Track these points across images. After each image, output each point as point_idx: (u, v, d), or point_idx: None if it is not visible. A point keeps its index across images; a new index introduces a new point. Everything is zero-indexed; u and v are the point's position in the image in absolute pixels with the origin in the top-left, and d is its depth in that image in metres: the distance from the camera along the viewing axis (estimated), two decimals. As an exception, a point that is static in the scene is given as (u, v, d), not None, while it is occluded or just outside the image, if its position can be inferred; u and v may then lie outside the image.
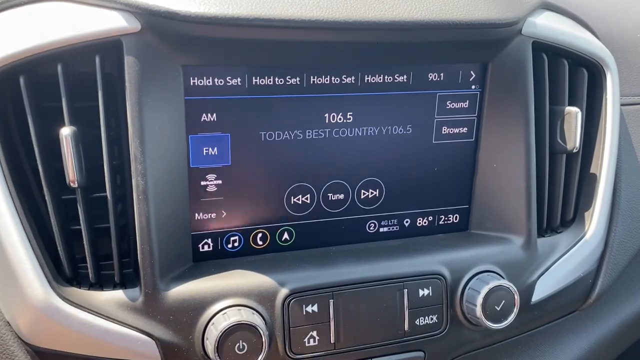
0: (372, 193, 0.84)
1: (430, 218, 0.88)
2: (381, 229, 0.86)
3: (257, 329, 0.68)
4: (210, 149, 0.75)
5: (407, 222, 0.87)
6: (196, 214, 0.76)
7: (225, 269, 0.75)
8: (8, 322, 0.68)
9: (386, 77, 0.79)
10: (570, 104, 0.87)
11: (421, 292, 0.78)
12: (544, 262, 0.86)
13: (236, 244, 0.80)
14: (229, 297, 0.71)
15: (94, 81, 0.67)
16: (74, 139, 0.65)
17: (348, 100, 0.79)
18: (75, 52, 0.66)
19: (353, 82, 0.78)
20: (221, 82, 0.73)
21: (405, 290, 0.77)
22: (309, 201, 0.81)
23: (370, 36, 0.71)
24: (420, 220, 0.88)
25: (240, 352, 0.68)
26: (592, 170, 0.90)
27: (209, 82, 0.72)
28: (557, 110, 0.87)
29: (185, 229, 0.74)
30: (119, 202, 0.71)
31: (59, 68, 0.66)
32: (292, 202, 0.81)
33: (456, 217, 0.89)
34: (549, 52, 0.85)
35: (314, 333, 0.74)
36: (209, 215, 0.77)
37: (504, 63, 0.82)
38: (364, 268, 0.77)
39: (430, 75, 0.81)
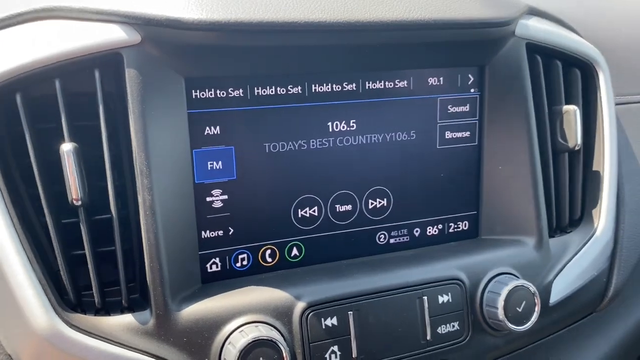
0: (380, 202, 0.82)
1: (440, 226, 0.86)
2: (391, 240, 0.84)
3: (277, 344, 0.64)
4: (214, 163, 0.73)
5: (417, 231, 0.85)
6: (203, 232, 0.73)
7: (237, 287, 0.71)
8: (10, 356, 0.63)
9: (387, 82, 0.79)
10: (566, 104, 0.88)
11: (441, 299, 0.76)
12: (558, 262, 0.85)
13: (245, 262, 0.77)
14: (245, 314, 0.67)
15: (93, 99, 0.65)
16: (76, 155, 0.62)
17: (350, 107, 0.78)
18: (73, 68, 0.64)
19: (354, 89, 0.78)
20: (223, 93, 0.71)
21: (425, 298, 0.75)
22: (316, 214, 0.79)
23: (372, 38, 0.71)
24: (430, 229, 0.86)
25: (261, 371, 0.64)
26: (595, 168, 0.90)
27: (211, 94, 0.71)
28: (556, 110, 0.87)
29: (193, 248, 0.71)
30: (121, 224, 0.68)
31: (57, 84, 0.64)
32: (300, 216, 0.78)
33: (465, 223, 0.88)
34: (542, 54, 0.86)
35: (335, 348, 0.70)
36: (216, 233, 0.74)
37: (500, 65, 0.82)
38: (381, 277, 0.74)
39: (430, 80, 0.81)
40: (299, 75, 0.74)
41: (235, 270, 0.76)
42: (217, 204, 0.74)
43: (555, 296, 0.84)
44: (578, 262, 0.86)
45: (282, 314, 0.68)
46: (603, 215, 0.88)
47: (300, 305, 0.69)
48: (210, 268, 0.75)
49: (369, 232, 0.83)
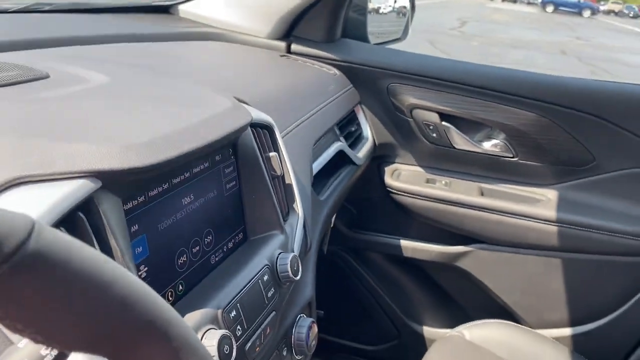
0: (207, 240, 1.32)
1: (233, 240, 1.42)
2: (217, 259, 1.35)
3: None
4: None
5: (225, 248, 1.39)
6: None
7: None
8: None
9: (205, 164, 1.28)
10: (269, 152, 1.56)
11: (265, 277, 1.35)
12: (292, 238, 1.55)
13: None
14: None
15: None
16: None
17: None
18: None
19: (206, 166, 1.24)
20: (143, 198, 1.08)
21: (260, 281, 1.32)
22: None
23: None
24: (229, 244, 1.41)
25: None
26: (287, 182, 1.62)
27: (135, 203, 1.06)
28: (267, 156, 1.54)
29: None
30: None
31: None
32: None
33: (241, 234, 1.46)
34: (251, 126, 1.50)
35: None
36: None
37: (242, 140, 1.43)
38: (243, 277, 1.28)
39: (217, 157, 1.35)
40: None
41: None
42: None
43: (296, 256, 1.53)
44: (297, 235, 1.58)
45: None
46: (298, 205, 1.62)
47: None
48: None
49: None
